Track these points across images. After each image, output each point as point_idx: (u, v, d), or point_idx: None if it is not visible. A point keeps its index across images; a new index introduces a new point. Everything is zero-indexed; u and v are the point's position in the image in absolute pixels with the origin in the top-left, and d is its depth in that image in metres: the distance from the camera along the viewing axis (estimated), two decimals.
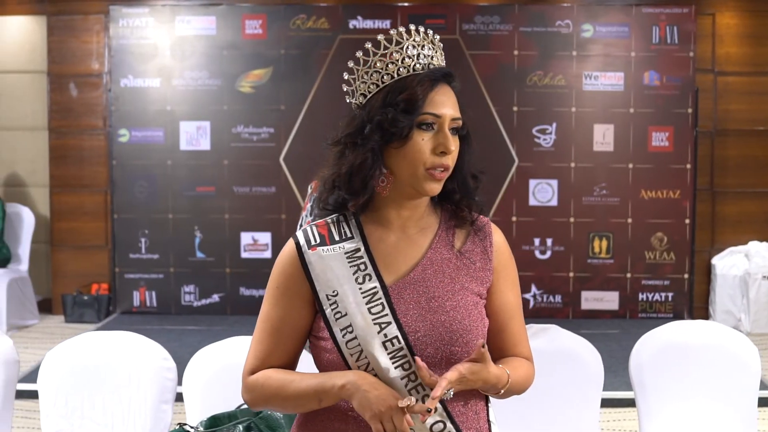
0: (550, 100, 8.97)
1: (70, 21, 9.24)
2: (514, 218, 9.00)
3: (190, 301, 9.20)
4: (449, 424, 2.17)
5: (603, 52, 8.96)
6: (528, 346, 2.36)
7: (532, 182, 9.01)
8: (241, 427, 2.76)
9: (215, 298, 9.16)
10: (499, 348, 2.30)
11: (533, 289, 9.03)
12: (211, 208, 9.14)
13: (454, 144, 2.20)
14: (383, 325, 2.15)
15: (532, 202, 9.02)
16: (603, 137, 8.96)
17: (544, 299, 9.03)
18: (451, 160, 2.20)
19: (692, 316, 9.01)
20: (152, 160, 9.11)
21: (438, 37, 2.29)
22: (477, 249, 2.29)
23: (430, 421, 2.15)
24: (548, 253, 9.04)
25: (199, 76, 9.07)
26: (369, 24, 8.91)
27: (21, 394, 5.79)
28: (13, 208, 9.18)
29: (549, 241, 9.03)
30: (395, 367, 2.14)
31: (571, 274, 9.04)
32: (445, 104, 2.20)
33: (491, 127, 8.92)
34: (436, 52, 2.27)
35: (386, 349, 2.14)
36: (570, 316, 9.02)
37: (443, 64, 2.28)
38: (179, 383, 3.25)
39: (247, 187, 9.11)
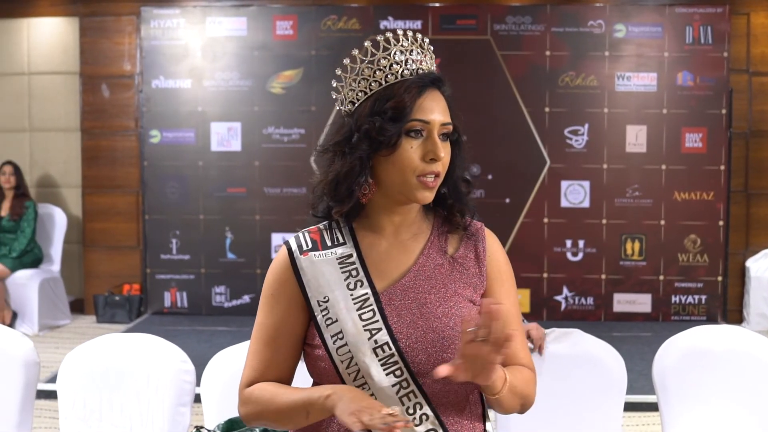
0: (583, 100, 8.90)
1: (102, 22, 9.29)
2: (545, 220, 8.94)
3: (221, 302, 9.21)
4: None
5: (636, 52, 8.88)
6: (528, 356, 2.30)
7: (564, 183, 8.94)
8: (258, 430, 2.74)
9: (246, 299, 9.17)
10: None
11: (565, 291, 8.96)
12: (241, 209, 9.14)
13: (444, 150, 2.15)
14: (374, 332, 2.12)
15: (563, 203, 8.95)
16: (636, 138, 8.89)
17: (576, 301, 8.96)
18: (441, 167, 2.16)
19: (726, 319, 8.92)
20: (183, 161, 9.13)
21: (427, 40, 2.24)
22: (470, 254, 2.24)
23: (421, 429, 2.12)
24: (580, 255, 8.98)
25: (230, 77, 9.09)
26: (400, 24, 8.88)
27: (49, 395, 5.84)
28: (46, 209, 9.24)
29: (581, 243, 8.97)
30: (386, 374, 2.11)
31: (603, 276, 8.97)
32: (433, 110, 2.15)
33: (523, 128, 8.87)
34: (425, 56, 2.22)
35: (377, 355, 2.11)
36: (602, 319, 8.95)
37: (433, 68, 2.23)
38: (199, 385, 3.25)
39: (277, 188, 9.11)
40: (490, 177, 8.86)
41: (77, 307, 9.49)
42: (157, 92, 9.12)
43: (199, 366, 3.23)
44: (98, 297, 9.10)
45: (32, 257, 8.87)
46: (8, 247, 8.77)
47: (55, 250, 9.21)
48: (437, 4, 9.04)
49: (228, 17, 9.08)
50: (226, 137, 9.12)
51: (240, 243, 9.17)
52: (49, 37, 9.43)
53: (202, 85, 9.10)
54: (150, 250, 9.24)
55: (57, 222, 9.23)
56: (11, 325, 8.40)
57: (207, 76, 9.10)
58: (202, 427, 2.81)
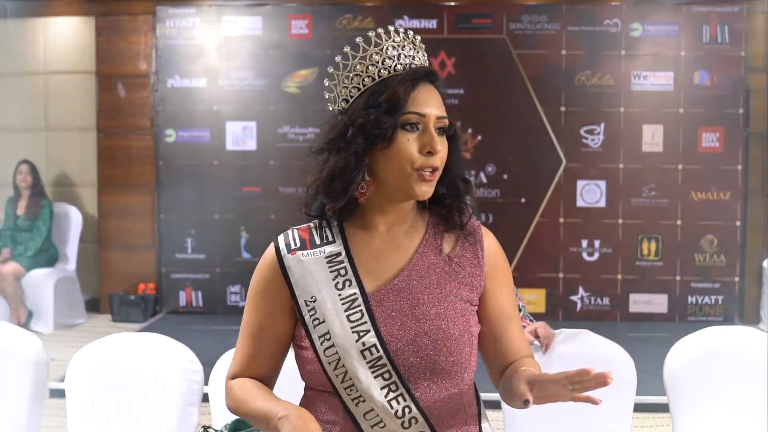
0: (599, 100, 8.86)
1: (117, 22, 9.29)
2: (561, 219, 8.91)
3: (236, 301, 9.21)
4: None
5: (652, 51, 8.83)
6: (529, 349, 2.29)
7: (580, 183, 8.90)
8: None
9: None
10: (502, 354, 2.22)
11: (580, 291, 8.92)
12: (257, 209, 9.13)
13: (441, 144, 2.12)
14: (362, 333, 2.09)
15: (579, 203, 8.91)
16: (652, 138, 8.84)
17: (592, 301, 8.92)
18: (439, 161, 2.12)
19: (743, 320, 8.86)
20: (198, 160, 9.13)
21: (419, 38, 2.21)
22: (467, 254, 2.20)
23: None
24: (596, 255, 8.93)
25: (245, 77, 9.08)
26: (415, 23, 8.86)
27: (62, 393, 5.83)
28: (61, 208, 9.24)
29: (597, 243, 8.93)
30: (375, 377, 2.08)
31: (619, 277, 8.93)
32: (428, 103, 2.12)
33: (538, 127, 8.83)
34: (417, 52, 2.19)
35: (365, 357, 2.08)
36: (618, 319, 8.90)
37: (426, 64, 2.21)
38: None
39: (293, 188, 9.08)
40: (505, 176, 8.82)
41: (93, 306, 9.50)
42: (173, 91, 9.13)
43: (213, 365, 3.23)
44: (113, 296, 9.11)
45: (47, 256, 8.88)
46: (24, 246, 8.79)
47: (71, 249, 9.21)
48: (452, 3, 9.01)
49: (243, 16, 9.08)
50: (241, 136, 9.12)
51: (255, 242, 9.16)
52: (65, 36, 9.45)
53: (218, 84, 9.10)
54: (165, 250, 9.25)
55: (73, 221, 9.23)
56: (26, 323, 8.42)
57: (222, 75, 9.10)
58: (209, 427, 2.80)
